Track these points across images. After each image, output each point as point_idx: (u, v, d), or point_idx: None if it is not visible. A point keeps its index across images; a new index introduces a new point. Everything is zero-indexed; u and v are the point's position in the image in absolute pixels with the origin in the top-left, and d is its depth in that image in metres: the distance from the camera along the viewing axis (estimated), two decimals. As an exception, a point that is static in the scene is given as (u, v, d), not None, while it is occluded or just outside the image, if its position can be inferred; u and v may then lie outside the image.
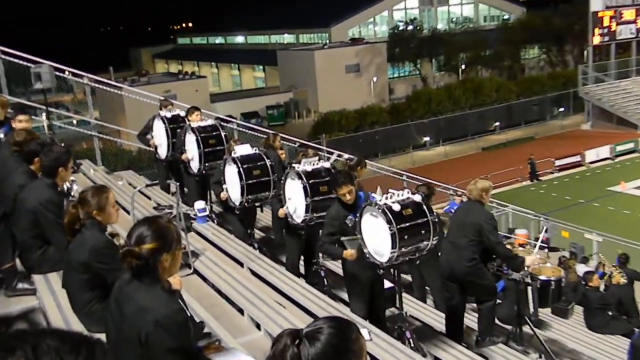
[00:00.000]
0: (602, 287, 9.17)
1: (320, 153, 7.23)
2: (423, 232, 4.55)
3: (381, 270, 4.80)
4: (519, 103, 40.66)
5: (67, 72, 9.77)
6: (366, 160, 6.71)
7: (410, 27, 51.54)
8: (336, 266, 6.33)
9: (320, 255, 6.02)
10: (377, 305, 5.19)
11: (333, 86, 45.72)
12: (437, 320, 6.11)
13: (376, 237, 4.59)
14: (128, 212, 5.77)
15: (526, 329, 5.99)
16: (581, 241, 14.86)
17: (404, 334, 4.83)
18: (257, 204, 6.38)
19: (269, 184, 6.05)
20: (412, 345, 4.75)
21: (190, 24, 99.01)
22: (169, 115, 7.62)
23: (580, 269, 11.06)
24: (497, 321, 6.17)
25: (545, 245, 13.29)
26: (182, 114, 7.74)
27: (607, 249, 13.64)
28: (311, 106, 47.45)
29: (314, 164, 5.74)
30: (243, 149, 6.18)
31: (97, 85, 10.26)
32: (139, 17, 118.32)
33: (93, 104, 10.17)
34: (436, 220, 4.69)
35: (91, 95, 10.08)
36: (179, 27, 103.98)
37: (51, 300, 4.05)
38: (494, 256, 5.67)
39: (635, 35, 37.70)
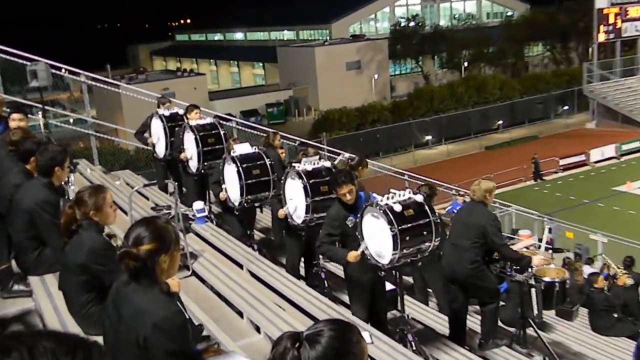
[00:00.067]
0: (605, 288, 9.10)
1: (320, 152, 7.17)
2: (425, 233, 4.49)
3: (382, 272, 4.73)
4: (523, 101, 40.31)
5: (63, 70, 9.70)
6: (367, 160, 6.64)
7: (412, 24, 51.25)
8: (337, 268, 6.28)
9: (321, 257, 5.95)
10: (378, 308, 5.13)
11: (334, 83, 45.39)
12: (439, 322, 6.08)
13: (377, 239, 4.53)
14: (126, 213, 5.72)
15: (530, 331, 5.93)
16: (586, 242, 14.70)
17: (406, 336, 4.79)
18: (256, 204, 6.32)
19: (269, 183, 5.97)
20: (414, 348, 4.71)
21: (188, 21, 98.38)
22: (167, 113, 7.52)
23: (585, 270, 10.98)
24: (500, 323, 6.12)
25: (550, 246, 13.18)
26: (181, 112, 7.65)
27: (612, 250, 13.51)
28: (311, 104, 47.18)
29: (314, 163, 5.66)
30: (242, 148, 6.11)
31: (94, 83, 10.21)
32: (137, 13, 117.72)
33: (90, 102, 10.07)
34: (438, 221, 4.63)
35: (88, 94, 9.99)
36: (177, 23, 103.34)
37: (47, 302, 4.02)
38: (496, 257, 5.61)
39: (640, 33, 37.59)
